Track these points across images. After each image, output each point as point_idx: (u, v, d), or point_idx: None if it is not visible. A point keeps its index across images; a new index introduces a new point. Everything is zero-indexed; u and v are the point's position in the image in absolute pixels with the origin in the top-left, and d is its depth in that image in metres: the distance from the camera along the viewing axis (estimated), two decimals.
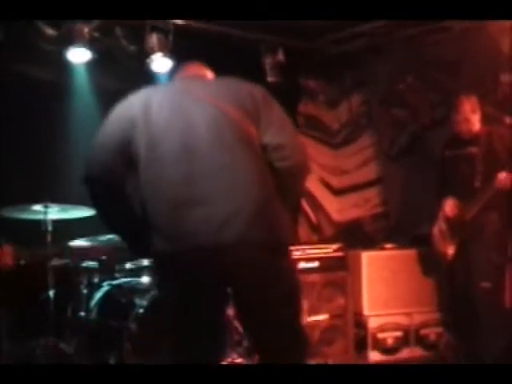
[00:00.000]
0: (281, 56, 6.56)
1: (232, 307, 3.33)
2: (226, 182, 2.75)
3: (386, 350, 6.09)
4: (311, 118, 7.80)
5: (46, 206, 4.73)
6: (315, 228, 7.60)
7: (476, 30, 5.90)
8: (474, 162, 5.25)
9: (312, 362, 4.99)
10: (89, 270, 5.06)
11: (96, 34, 5.82)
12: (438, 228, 5.52)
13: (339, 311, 6.07)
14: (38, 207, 4.73)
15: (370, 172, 7.68)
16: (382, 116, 7.51)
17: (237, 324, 4.54)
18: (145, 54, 5.98)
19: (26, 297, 5.34)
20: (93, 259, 5.11)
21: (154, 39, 5.90)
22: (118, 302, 4.88)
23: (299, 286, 2.98)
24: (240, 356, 4.69)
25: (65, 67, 6.06)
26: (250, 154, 2.84)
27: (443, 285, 5.80)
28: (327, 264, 6.07)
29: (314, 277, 5.99)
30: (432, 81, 6.79)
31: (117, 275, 5.15)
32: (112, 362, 4.53)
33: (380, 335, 6.09)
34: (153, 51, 5.94)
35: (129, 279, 5.07)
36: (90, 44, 5.78)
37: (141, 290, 4.77)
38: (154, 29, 5.82)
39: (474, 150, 5.29)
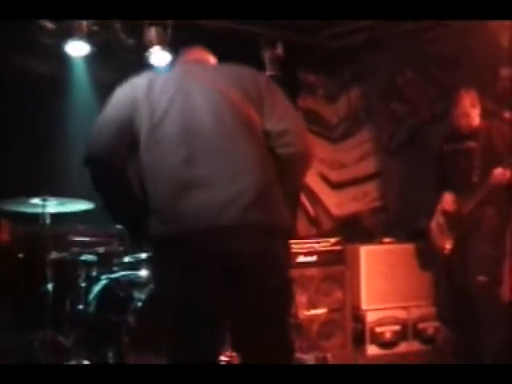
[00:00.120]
0: (280, 50, 6.55)
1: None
2: (227, 166, 2.72)
3: (383, 344, 6.10)
4: (310, 112, 7.80)
5: (44, 200, 4.72)
6: (314, 222, 7.61)
7: (475, 25, 5.89)
8: (473, 156, 5.25)
9: (310, 355, 5.01)
10: (87, 263, 5.05)
11: (94, 28, 5.81)
12: (436, 222, 5.53)
13: (337, 305, 6.09)
14: (36, 200, 4.73)
15: (369, 166, 7.69)
16: (381, 110, 7.51)
17: None
18: (143, 48, 5.98)
19: (25, 290, 5.36)
20: (90, 252, 5.11)
21: (152, 33, 5.90)
22: (116, 295, 4.88)
23: (292, 278, 2.97)
24: None
25: (64, 61, 6.06)
26: (251, 139, 2.81)
27: (441, 279, 5.81)
28: (325, 258, 6.08)
29: (313, 271, 6.00)
30: (431, 75, 6.79)
31: (115, 269, 5.14)
32: (110, 355, 4.52)
33: (378, 329, 6.10)
34: (151, 44, 5.94)
35: (127, 273, 5.06)
36: (89, 37, 5.77)
37: (139, 284, 4.76)
38: (152, 22, 5.82)
39: (472, 144, 5.29)
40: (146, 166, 2.77)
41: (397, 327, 6.14)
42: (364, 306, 6.15)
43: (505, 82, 5.81)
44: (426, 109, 6.92)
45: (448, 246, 5.40)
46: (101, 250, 5.12)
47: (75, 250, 5.06)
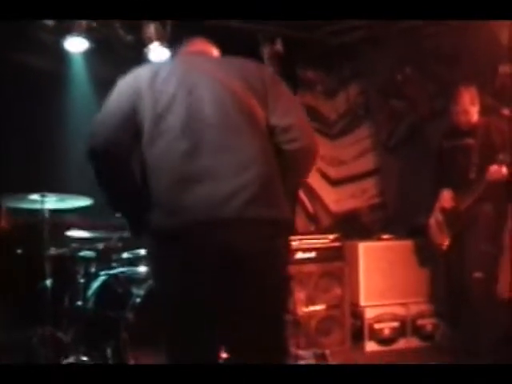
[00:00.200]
0: (279, 46, 6.55)
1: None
2: (230, 159, 2.69)
3: (382, 341, 6.11)
4: (309, 108, 7.78)
5: (43, 196, 4.71)
6: (312, 218, 7.61)
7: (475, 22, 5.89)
8: (471, 153, 5.26)
9: (308, 351, 5.01)
10: (86, 259, 5.05)
11: (93, 24, 5.81)
12: (435, 219, 5.54)
13: (336, 301, 6.10)
14: (35, 196, 4.72)
15: (368, 163, 7.70)
16: (380, 107, 7.51)
17: None
18: (142, 44, 5.97)
19: (24, 286, 5.36)
20: (89, 248, 5.12)
21: (151, 29, 5.89)
22: (115, 291, 4.88)
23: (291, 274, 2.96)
24: None
25: (62, 57, 6.06)
26: (254, 132, 2.78)
27: (439, 275, 5.82)
28: (324, 254, 6.09)
29: (311, 267, 6.01)
30: (431, 72, 6.79)
31: (114, 265, 5.14)
32: (109, 351, 4.52)
33: (377, 326, 6.11)
34: (150, 41, 5.93)
35: (126, 269, 5.06)
36: (88, 34, 5.77)
37: (138, 280, 4.76)
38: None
39: (471, 141, 5.30)
40: (148, 157, 2.74)
41: (395, 324, 6.15)
42: (363, 302, 6.16)
43: (504, 79, 5.80)
44: (425, 105, 6.92)
45: (446, 242, 5.42)
46: (100, 246, 5.12)
47: (74, 245, 5.06)
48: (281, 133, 2.84)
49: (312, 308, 5.85)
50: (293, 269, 5.35)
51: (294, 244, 5.89)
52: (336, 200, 7.88)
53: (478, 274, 5.09)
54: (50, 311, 4.72)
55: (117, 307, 4.58)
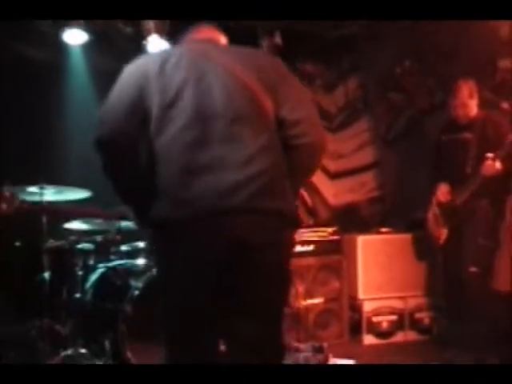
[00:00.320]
0: (278, 39, 6.53)
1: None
2: (237, 150, 2.64)
3: (380, 334, 6.13)
4: None
5: (41, 188, 4.71)
6: (311, 212, 7.60)
7: None
8: (469, 147, 5.26)
9: (307, 344, 5.02)
10: (84, 251, 5.06)
11: None
12: (432, 213, 5.54)
13: (334, 295, 6.11)
14: (33, 189, 4.72)
15: (367, 156, 7.70)
16: (379, 100, 7.50)
17: None
18: (141, 36, 5.95)
19: (22, 279, 5.36)
20: (88, 240, 5.11)
21: (150, 21, 5.88)
22: (113, 283, 4.89)
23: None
24: None
25: (61, 48, 6.05)
26: (263, 125, 2.73)
27: (437, 269, 5.83)
28: (323, 247, 6.10)
29: (310, 260, 6.02)
30: (430, 65, 6.78)
31: (112, 257, 5.15)
32: (107, 343, 4.52)
33: (375, 319, 6.12)
34: (149, 33, 5.92)
35: (124, 261, 5.07)
36: (87, 26, 5.76)
37: (136, 272, 4.77)
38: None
39: (469, 135, 5.30)
40: (156, 146, 2.69)
41: (393, 317, 6.16)
42: (361, 295, 6.17)
43: (504, 74, 5.80)
44: (424, 99, 6.91)
45: (443, 236, 5.42)
46: (98, 238, 5.11)
47: (72, 238, 5.05)
48: (289, 127, 2.78)
49: (310, 301, 5.85)
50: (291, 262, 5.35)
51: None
52: (335, 193, 7.88)
53: (473, 269, 5.10)
54: (48, 303, 4.73)
55: (115, 299, 4.58)
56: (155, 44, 5.91)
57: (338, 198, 7.87)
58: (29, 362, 4.62)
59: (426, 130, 6.73)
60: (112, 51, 6.05)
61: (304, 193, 7.36)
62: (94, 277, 5.00)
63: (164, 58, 2.76)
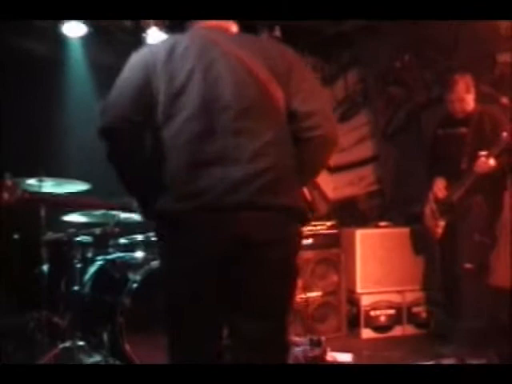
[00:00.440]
0: (278, 33, 6.52)
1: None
2: (245, 143, 2.57)
3: (378, 328, 6.14)
4: None
5: (40, 180, 4.71)
6: (310, 206, 7.59)
7: None
8: (464, 142, 5.25)
9: (305, 338, 5.02)
10: (83, 244, 5.06)
11: None
12: (429, 208, 5.54)
13: (332, 288, 6.12)
14: (32, 181, 4.72)
15: (366, 150, 7.70)
16: (379, 94, 7.50)
17: None
18: (140, 29, 5.95)
19: (20, 271, 5.36)
20: (86, 233, 5.12)
21: None
22: (111, 276, 4.88)
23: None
24: None
25: (60, 41, 6.05)
26: (272, 117, 2.66)
27: (434, 264, 5.83)
28: (321, 241, 6.10)
29: (308, 254, 6.01)
30: (429, 60, 6.77)
31: (111, 250, 5.14)
32: (105, 336, 4.53)
33: (373, 313, 6.13)
34: (148, 26, 5.92)
35: (123, 254, 5.07)
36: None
37: (134, 265, 4.76)
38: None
39: (465, 130, 5.29)
40: (162, 137, 2.62)
41: (391, 311, 6.17)
42: (359, 289, 6.18)
43: (503, 68, 5.79)
44: (423, 93, 6.91)
45: (439, 231, 5.43)
46: (97, 231, 5.11)
47: (71, 230, 5.06)
48: (301, 119, 2.70)
49: (308, 295, 5.86)
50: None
51: None
52: (333, 187, 7.88)
53: (469, 265, 5.10)
54: (46, 296, 4.73)
55: (113, 292, 4.58)
56: (154, 37, 5.91)
57: (337, 192, 7.88)
58: (27, 354, 4.63)
59: (424, 124, 6.73)
60: (111, 44, 6.04)
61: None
62: (92, 269, 5.00)
63: (172, 45, 2.68)
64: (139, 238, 5.05)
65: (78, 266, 4.95)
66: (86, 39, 6.02)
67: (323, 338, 4.95)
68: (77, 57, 6.21)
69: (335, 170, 7.90)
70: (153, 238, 4.95)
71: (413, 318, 6.20)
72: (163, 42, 2.78)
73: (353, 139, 7.78)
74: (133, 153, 2.68)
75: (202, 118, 2.58)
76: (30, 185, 4.74)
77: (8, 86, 5.69)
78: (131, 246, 5.07)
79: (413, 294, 6.21)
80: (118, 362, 4.41)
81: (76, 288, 4.91)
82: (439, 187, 5.43)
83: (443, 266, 5.57)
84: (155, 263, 4.56)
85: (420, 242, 6.14)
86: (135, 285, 4.51)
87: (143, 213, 2.92)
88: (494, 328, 5.09)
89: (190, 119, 2.58)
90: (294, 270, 2.80)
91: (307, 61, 7.72)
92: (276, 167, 2.60)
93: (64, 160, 5.90)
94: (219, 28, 2.84)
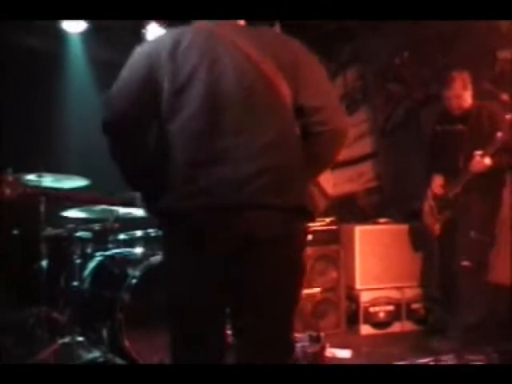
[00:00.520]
0: (277, 29, 6.51)
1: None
2: (250, 141, 2.52)
3: (377, 324, 6.14)
4: None
5: (39, 176, 4.71)
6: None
7: None
8: (461, 140, 5.25)
9: (304, 334, 5.03)
10: (82, 240, 5.06)
11: None
12: (428, 204, 5.55)
13: (332, 284, 6.12)
14: (31, 177, 4.72)
15: (365, 146, 7.69)
16: (378, 91, 7.50)
17: None
18: (140, 25, 5.95)
19: (20, 267, 5.37)
20: (86, 228, 5.12)
21: None
22: (111, 272, 4.88)
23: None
24: None
25: (60, 37, 6.05)
26: (278, 114, 2.60)
27: (432, 261, 5.83)
28: (320, 237, 6.09)
29: (307, 250, 6.00)
30: (429, 56, 6.77)
31: (110, 246, 5.14)
32: (105, 332, 4.53)
33: (372, 309, 6.13)
34: (148, 22, 5.92)
35: (122, 250, 5.07)
36: None
37: (134, 261, 4.76)
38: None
39: (462, 127, 5.29)
40: (165, 133, 2.57)
41: (390, 307, 6.17)
42: (358, 285, 6.18)
43: (503, 64, 5.79)
44: (421, 90, 6.91)
45: (437, 228, 5.43)
46: (96, 226, 5.12)
47: (70, 226, 5.06)
48: (310, 114, 2.64)
49: (308, 291, 5.86)
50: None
51: None
52: (333, 183, 7.87)
53: (466, 263, 5.11)
54: (45, 291, 4.73)
55: (113, 288, 4.58)
56: (154, 33, 5.90)
57: (336, 188, 7.87)
58: (26, 349, 4.63)
59: (423, 121, 6.73)
60: (111, 39, 6.04)
61: None
62: (91, 265, 5.00)
63: (176, 39, 2.61)
64: (139, 233, 5.05)
65: (78, 261, 4.95)
66: (85, 35, 6.02)
67: (322, 334, 4.95)
68: (76, 52, 6.22)
69: (334, 166, 7.87)
70: (152, 234, 4.97)
71: (412, 315, 6.20)
72: (168, 34, 2.72)
73: (352, 136, 7.76)
74: (134, 147, 2.64)
75: (205, 116, 2.53)
76: (29, 180, 4.74)
77: (8, 82, 5.70)
78: (131, 242, 5.07)
79: (412, 291, 6.20)
80: (117, 358, 4.42)
81: (75, 283, 4.91)
82: (437, 184, 5.44)
83: (441, 263, 5.56)
84: (154, 259, 4.56)
85: (419, 239, 6.13)
86: (134, 280, 4.50)
87: (147, 208, 2.87)
88: (493, 324, 5.10)
89: (193, 117, 2.53)
90: (300, 268, 2.77)
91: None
92: (280, 165, 2.55)
93: (63, 156, 5.90)
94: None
